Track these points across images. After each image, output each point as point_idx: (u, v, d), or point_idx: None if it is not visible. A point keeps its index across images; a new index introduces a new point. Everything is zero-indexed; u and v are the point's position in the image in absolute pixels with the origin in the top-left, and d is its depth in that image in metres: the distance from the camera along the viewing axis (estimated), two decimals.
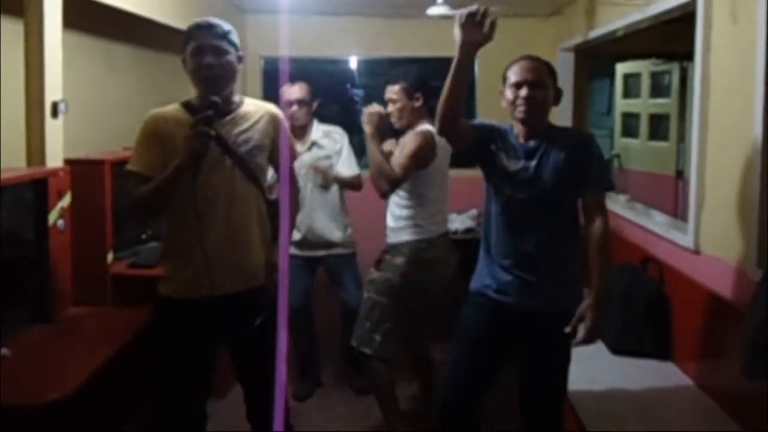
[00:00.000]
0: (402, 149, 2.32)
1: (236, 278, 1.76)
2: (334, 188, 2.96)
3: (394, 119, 2.41)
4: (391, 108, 2.40)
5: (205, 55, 1.70)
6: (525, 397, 1.86)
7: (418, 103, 2.36)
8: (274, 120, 1.85)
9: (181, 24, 2.98)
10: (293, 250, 2.88)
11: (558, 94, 1.84)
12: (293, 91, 2.84)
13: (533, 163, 1.78)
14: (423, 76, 2.42)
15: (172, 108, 1.81)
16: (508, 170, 1.80)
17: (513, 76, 1.80)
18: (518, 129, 1.83)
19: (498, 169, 1.82)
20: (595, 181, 1.79)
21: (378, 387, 2.43)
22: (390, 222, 2.46)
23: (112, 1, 2.31)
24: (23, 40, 1.99)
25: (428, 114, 2.37)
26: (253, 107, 1.85)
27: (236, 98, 1.83)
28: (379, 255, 2.48)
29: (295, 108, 2.83)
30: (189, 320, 1.74)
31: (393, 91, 2.39)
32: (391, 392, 2.44)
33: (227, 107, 1.77)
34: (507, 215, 1.81)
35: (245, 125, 1.79)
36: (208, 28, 1.72)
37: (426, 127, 2.34)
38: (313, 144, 2.92)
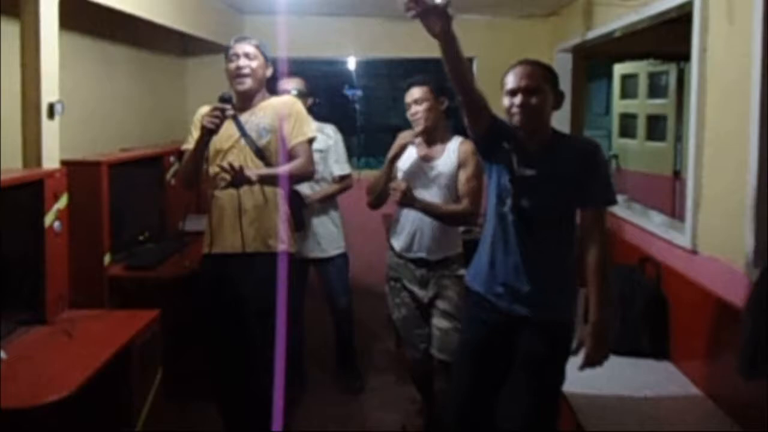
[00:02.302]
0: (466, 172, 2.28)
1: (234, 240, 2.15)
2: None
3: (419, 121, 2.34)
4: (416, 109, 2.34)
5: (236, 59, 2.19)
6: (513, 404, 1.77)
7: (443, 106, 2.36)
8: (284, 104, 2.24)
9: (179, 25, 2.98)
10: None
11: (559, 98, 1.78)
12: (289, 83, 2.85)
13: (536, 171, 1.74)
14: (444, 81, 2.42)
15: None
16: (515, 174, 1.76)
17: (508, 83, 1.76)
18: (521, 136, 1.77)
19: (507, 170, 1.77)
20: (597, 194, 1.74)
21: None
22: (437, 234, 2.31)
23: (110, 2, 2.30)
24: (20, 41, 1.99)
25: (448, 117, 2.39)
26: (272, 100, 2.27)
27: (262, 95, 2.27)
28: (426, 275, 2.34)
29: None
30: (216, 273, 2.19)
31: (421, 91, 2.33)
32: None
33: (251, 101, 2.23)
34: (509, 220, 1.76)
35: (260, 113, 2.22)
36: (242, 38, 2.24)
37: (462, 138, 2.33)
38: None
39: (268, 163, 2.19)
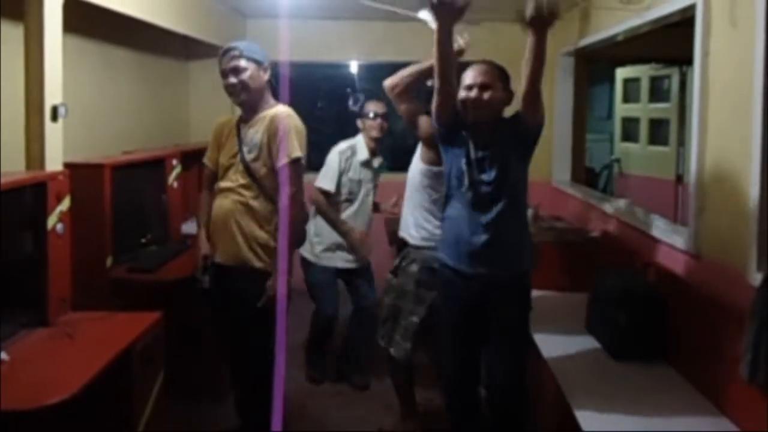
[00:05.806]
0: None
1: (223, 253, 2.17)
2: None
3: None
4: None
5: (226, 77, 2.13)
6: (491, 354, 2.06)
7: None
8: (275, 117, 2.12)
9: (181, 29, 3.00)
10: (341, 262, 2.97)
11: (509, 96, 2.04)
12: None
13: (488, 152, 1.99)
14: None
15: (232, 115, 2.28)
16: (470, 157, 2.00)
17: (466, 78, 2.01)
18: (475, 124, 2.01)
19: (464, 154, 2.01)
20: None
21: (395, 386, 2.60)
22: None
23: (113, 6, 2.31)
24: (23, 44, 2.00)
25: None
26: (269, 112, 2.16)
27: (265, 102, 2.18)
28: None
29: None
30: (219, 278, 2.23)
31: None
32: (408, 390, 2.58)
33: (254, 112, 2.17)
34: (468, 197, 2.00)
35: (256, 126, 2.14)
36: (227, 52, 2.13)
37: None
38: None
39: (255, 180, 2.13)
